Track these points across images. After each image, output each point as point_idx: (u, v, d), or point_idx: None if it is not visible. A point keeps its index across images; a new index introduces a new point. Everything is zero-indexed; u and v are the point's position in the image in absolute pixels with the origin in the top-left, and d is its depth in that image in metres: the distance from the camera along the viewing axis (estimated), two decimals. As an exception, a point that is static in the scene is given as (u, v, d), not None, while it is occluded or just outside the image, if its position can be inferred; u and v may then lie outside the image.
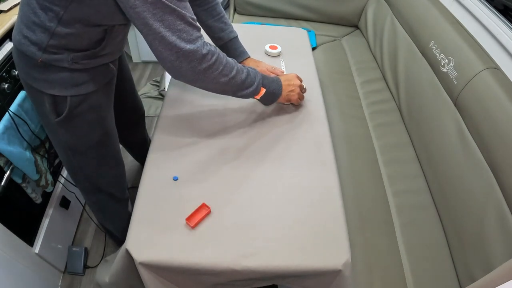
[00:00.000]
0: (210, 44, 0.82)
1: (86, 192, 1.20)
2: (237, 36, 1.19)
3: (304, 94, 1.14)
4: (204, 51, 0.79)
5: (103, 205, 1.24)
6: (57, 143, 1.03)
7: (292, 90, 1.08)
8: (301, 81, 1.11)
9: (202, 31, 0.97)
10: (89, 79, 0.89)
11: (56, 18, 0.76)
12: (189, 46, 0.76)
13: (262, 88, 0.96)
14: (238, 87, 0.91)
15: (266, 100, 1.04)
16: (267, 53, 1.39)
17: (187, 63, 0.78)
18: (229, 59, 0.87)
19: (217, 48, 0.85)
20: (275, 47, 1.41)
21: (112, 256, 1.18)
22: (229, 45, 1.18)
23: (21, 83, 1.15)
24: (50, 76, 0.86)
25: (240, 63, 1.12)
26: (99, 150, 1.06)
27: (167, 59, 0.77)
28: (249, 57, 1.22)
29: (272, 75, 1.11)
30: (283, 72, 1.21)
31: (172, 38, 0.74)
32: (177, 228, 0.83)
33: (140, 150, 1.56)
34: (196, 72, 0.81)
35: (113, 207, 1.24)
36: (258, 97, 0.98)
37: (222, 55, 0.85)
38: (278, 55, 1.40)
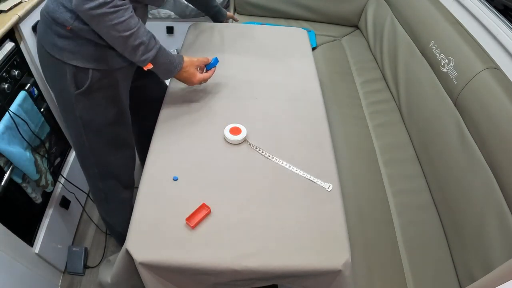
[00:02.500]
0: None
1: (94, 178, 1.20)
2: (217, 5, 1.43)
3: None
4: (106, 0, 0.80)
5: (109, 193, 1.24)
6: (73, 120, 1.05)
7: (187, 78, 1.07)
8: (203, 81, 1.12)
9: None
10: (112, 56, 0.94)
11: None
12: None
13: (149, 63, 0.95)
14: (125, 48, 0.90)
15: (158, 72, 1.02)
16: (226, 140, 1.03)
17: (84, 2, 0.79)
18: (135, 21, 0.87)
19: (130, 7, 0.85)
20: (238, 130, 1.03)
21: (114, 256, 1.18)
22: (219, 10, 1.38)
23: (21, 82, 1.15)
24: (76, 47, 0.91)
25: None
26: (113, 128, 1.09)
27: None
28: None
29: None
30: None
31: None
32: (177, 228, 0.83)
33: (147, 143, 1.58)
34: (91, 14, 0.81)
35: (119, 196, 1.25)
36: (145, 68, 0.97)
37: (128, 13, 0.84)
38: (242, 142, 1.03)
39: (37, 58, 1.21)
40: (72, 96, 0.98)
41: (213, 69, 1.13)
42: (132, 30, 0.86)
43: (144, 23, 1.00)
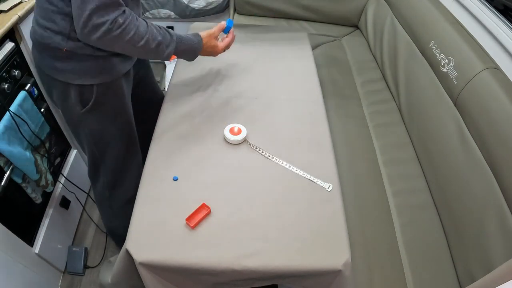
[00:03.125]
0: (124, 14, 0.80)
1: (102, 186, 1.20)
2: None
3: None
4: (111, 26, 0.78)
5: (115, 201, 1.24)
6: (83, 136, 1.05)
7: (211, 52, 1.08)
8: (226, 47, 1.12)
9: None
10: (112, 66, 0.93)
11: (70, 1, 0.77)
12: (97, 20, 0.76)
13: (173, 56, 0.97)
14: (147, 54, 0.91)
15: (183, 59, 1.05)
16: (226, 140, 1.03)
17: (96, 32, 0.78)
18: (143, 27, 0.85)
19: (132, 16, 0.83)
20: (238, 130, 1.03)
21: (115, 257, 1.19)
22: None
23: (21, 82, 1.15)
24: (76, 66, 0.89)
25: None
26: (123, 138, 1.09)
27: (80, 24, 0.78)
28: None
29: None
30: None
31: (89, 6, 0.75)
32: (177, 228, 0.83)
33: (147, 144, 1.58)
34: (101, 42, 0.81)
35: (124, 204, 1.24)
36: (171, 60, 0.98)
37: (133, 25, 0.83)
38: (241, 142, 1.03)
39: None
40: (79, 115, 0.97)
41: (231, 31, 1.11)
42: (146, 37, 0.86)
43: (138, 15, 0.99)
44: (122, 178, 1.18)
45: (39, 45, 0.89)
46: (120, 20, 0.79)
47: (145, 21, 0.87)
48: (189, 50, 1.00)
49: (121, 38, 0.81)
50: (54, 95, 1.01)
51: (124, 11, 0.81)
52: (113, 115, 1.02)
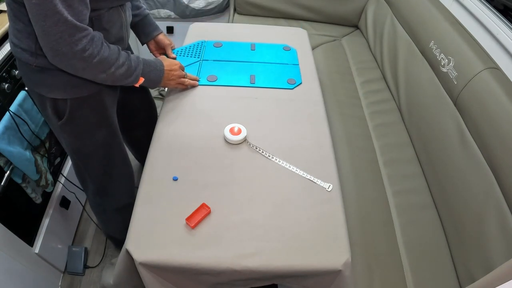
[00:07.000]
0: (93, 42, 0.79)
1: (91, 193, 1.20)
2: (149, 14, 1.22)
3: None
4: (83, 54, 0.77)
5: (108, 207, 1.23)
6: (64, 145, 1.04)
7: (172, 79, 1.09)
8: (183, 69, 1.14)
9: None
10: (86, 80, 0.88)
11: None
12: (65, 49, 0.75)
13: (141, 78, 0.96)
14: (116, 80, 0.90)
15: (147, 85, 1.04)
16: (226, 140, 1.03)
17: (66, 61, 0.78)
18: (110, 54, 0.84)
19: (102, 44, 0.82)
20: (238, 130, 1.03)
21: (117, 259, 1.19)
22: (145, 20, 1.20)
23: (21, 82, 1.15)
24: (48, 80, 0.86)
25: (155, 37, 1.22)
26: (105, 151, 1.06)
27: (48, 53, 0.76)
28: (161, 32, 1.25)
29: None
30: (175, 58, 1.26)
31: (54, 37, 0.73)
32: (177, 228, 0.83)
33: (146, 150, 1.57)
34: (75, 68, 0.81)
35: (117, 210, 1.24)
36: (137, 85, 0.97)
37: (104, 53, 0.82)
38: (241, 142, 1.03)
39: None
40: (57, 126, 0.96)
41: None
42: (116, 63, 0.85)
43: (127, 22, 0.98)
44: (111, 187, 1.16)
45: (16, 57, 0.87)
46: (87, 47, 0.78)
47: (110, 46, 0.85)
48: (154, 71, 0.99)
49: (89, 64, 0.80)
50: (37, 105, 1.00)
51: (92, 38, 0.78)
52: (93, 128, 0.99)
